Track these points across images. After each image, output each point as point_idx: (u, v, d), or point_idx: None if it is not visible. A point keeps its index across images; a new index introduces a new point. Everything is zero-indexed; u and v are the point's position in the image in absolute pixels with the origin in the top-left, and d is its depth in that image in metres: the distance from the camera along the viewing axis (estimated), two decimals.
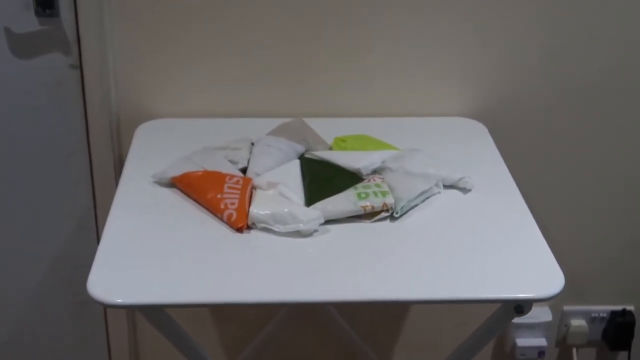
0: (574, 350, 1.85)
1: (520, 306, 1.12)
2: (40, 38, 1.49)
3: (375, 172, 1.35)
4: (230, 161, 1.35)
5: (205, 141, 1.45)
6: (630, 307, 1.81)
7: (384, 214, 1.24)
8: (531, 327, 1.79)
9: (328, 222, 1.23)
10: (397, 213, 1.24)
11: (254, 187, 1.30)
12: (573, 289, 1.77)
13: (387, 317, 1.82)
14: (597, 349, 1.86)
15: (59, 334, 1.76)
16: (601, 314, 1.81)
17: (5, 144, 1.56)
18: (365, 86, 1.56)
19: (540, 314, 1.79)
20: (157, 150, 1.44)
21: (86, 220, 1.66)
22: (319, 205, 1.24)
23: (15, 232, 1.65)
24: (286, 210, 1.21)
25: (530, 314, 1.75)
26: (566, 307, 1.81)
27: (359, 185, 1.28)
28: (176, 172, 1.31)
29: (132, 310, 1.68)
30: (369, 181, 1.31)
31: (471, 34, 1.52)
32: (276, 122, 1.49)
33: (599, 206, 1.71)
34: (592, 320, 1.81)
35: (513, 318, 1.15)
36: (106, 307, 1.08)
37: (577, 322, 1.81)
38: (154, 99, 1.55)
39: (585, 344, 1.84)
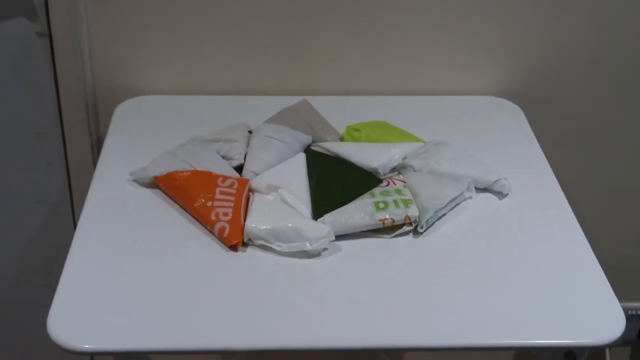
0: (607, 349, 1.67)
1: (572, 353, 0.92)
2: (1, 1, 1.26)
3: (394, 169, 1.15)
4: (224, 157, 1.15)
5: (196, 123, 1.25)
6: None
7: (406, 228, 1.04)
8: None
9: (339, 236, 1.03)
10: (422, 227, 1.04)
11: (251, 190, 1.10)
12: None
13: None
14: (632, 348, 1.69)
15: (34, 325, 1.58)
16: (638, 312, 1.63)
17: None
18: (383, 59, 1.33)
19: None
20: (138, 136, 1.24)
21: (61, 207, 1.46)
22: (329, 217, 1.03)
23: None
24: (289, 225, 1.01)
25: None
26: None
27: (377, 192, 1.08)
28: (159, 170, 1.11)
29: None
30: (387, 184, 1.10)
31: None
32: (278, 101, 1.28)
33: None
34: (629, 318, 1.63)
35: None
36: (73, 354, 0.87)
37: None
38: (135, 72, 1.33)
39: (619, 343, 1.65)
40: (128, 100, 1.33)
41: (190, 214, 1.06)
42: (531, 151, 1.23)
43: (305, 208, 1.06)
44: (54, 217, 1.47)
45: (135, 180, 1.12)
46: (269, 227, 1.00)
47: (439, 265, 1.00)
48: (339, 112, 1.28)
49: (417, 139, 1.20)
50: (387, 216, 1.03)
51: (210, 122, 1.24)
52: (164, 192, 1.10)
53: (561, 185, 1.16)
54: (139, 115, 1.30)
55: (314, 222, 1.03)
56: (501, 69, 1.35)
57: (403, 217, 1.03)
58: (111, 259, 0.99)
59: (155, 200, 1.10)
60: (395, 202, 1.05)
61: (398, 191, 1.08)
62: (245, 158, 1.15)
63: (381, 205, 1.04)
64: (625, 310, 1.61)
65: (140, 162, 1.13)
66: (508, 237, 1.05)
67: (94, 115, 1.36)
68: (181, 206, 1.08)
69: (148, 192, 1.11)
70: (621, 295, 1.61)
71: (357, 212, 1.04)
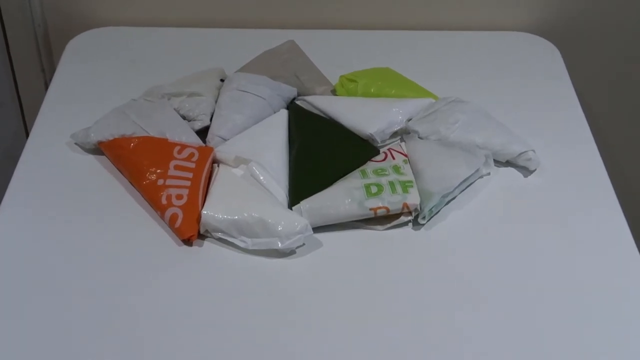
0: None
1: None
2: None
3: (396, 134, 0.93)
4: (185, 117, 0.93)
5: (160, 63, 1.05)
6: None
7: (404, 218, 0.83)
8: None
9: (320, 227, 0.82)
10: (424, 218, 0.83)
11: (216, 162, 0.89)
12: None
13: None
14: None
15: None
16: None
17: None
18: None
19: None
20: (90, 79, 1.03)
21: (17, 151, 1.27)
22: (307, 204, 0.83)
23: None
24: (255, 215, 0.80)
25: None
26: None
27: (370, 169, 0.86)
28: (104, 134, 0.90)
29: None
30: (385, 158, 0.89)
31: None
32: (260, 35, 1.08)
33: None
34: None
35: None
36: None
37: None
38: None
39: None
40: (83, 33, 1.11)
41: (138, 190, 0.86)
42: (568, 108, 1.01)
43: (280, 188, 0.85)
44: (8, 162, 1.29)
45: (77, 144, 0.92)
46: (230, 218, 0.80)
47: (444, 268, 0.80)
48: (333, 52, 1.07)
49: (427, 94, 0.98)
50: (380, 204, 0.82)
51: (178, 61, 1.04)
52: (110, 160, 0.90)
53: (603, 149, 0.93)
54: (94, 51, 1.09)
55: (286, 212, 0.82)
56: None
57: (400, 205, 0.82)
58: (33, 246, 0.80)
59: (99, 172, 0.89)
60: (392, 184, 0.84)
61: (396, 169, 0.86)
62: (212, 118, 0.93)
63: (373, 189, 0.83)
64: None
65: (89, 117, 0.93)
66: (534, 230, 0.84)
67: (46, 50, 1.15)
68: (129, 181, 0.88)
69: (91, 160, 0.91)
70: None
71: (343, 198, 0.83)
